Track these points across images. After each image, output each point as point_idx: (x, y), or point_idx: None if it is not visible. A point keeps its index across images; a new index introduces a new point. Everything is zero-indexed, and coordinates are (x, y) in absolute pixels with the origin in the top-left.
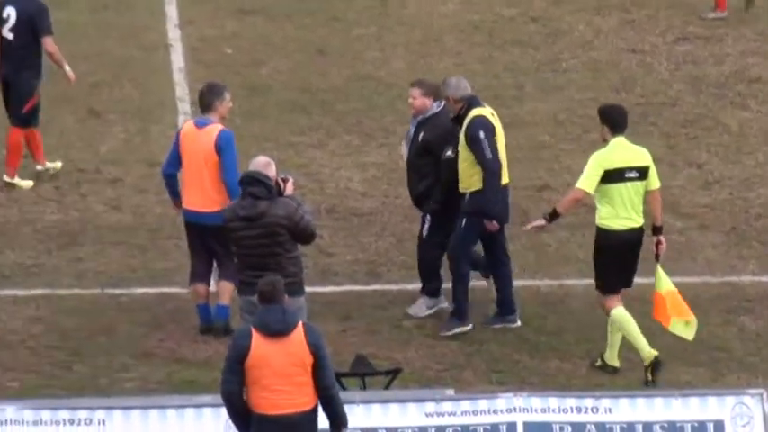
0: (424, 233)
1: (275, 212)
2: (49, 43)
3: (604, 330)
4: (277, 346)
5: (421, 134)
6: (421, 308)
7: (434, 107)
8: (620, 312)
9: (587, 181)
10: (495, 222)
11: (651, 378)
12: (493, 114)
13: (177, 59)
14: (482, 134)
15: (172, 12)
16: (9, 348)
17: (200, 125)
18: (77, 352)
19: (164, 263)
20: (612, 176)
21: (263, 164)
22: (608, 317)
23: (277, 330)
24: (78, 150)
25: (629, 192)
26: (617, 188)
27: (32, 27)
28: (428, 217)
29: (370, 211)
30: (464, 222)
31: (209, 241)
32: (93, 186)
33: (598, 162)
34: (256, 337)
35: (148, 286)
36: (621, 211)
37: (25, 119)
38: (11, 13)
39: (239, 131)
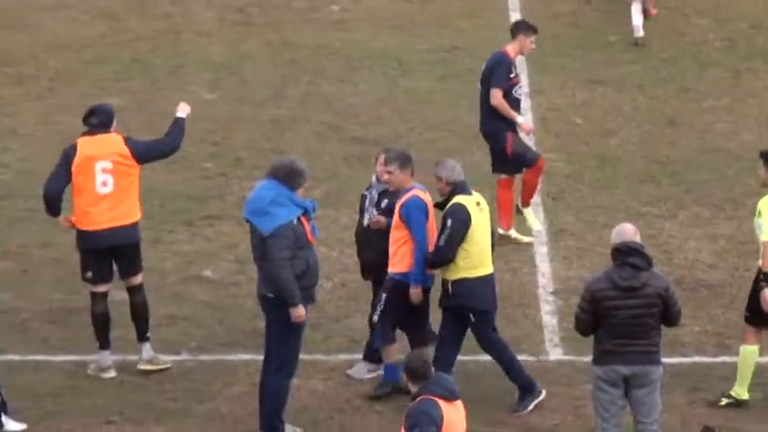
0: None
1: (656, 283)
2: (493, 95)
3: None
4: (456, 410)
5: (384, 201)
6: (362, 370)
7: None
8: (753, 350)
9: None
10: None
11: (723, 403)
12: (479, 203)
13: None
14: (449, 222)
15: (522, 81)
16: (358, 412)
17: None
18: None
19: (512, 330)
20: None
21: (632, 233)
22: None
23: (458, 394)
24: None
25: None
26: None
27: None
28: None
29: (719, 283)
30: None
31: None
32: None
33: None
34: (444, 405)
35: None
36: None
37: (513, 165)
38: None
39: (587, 202)
